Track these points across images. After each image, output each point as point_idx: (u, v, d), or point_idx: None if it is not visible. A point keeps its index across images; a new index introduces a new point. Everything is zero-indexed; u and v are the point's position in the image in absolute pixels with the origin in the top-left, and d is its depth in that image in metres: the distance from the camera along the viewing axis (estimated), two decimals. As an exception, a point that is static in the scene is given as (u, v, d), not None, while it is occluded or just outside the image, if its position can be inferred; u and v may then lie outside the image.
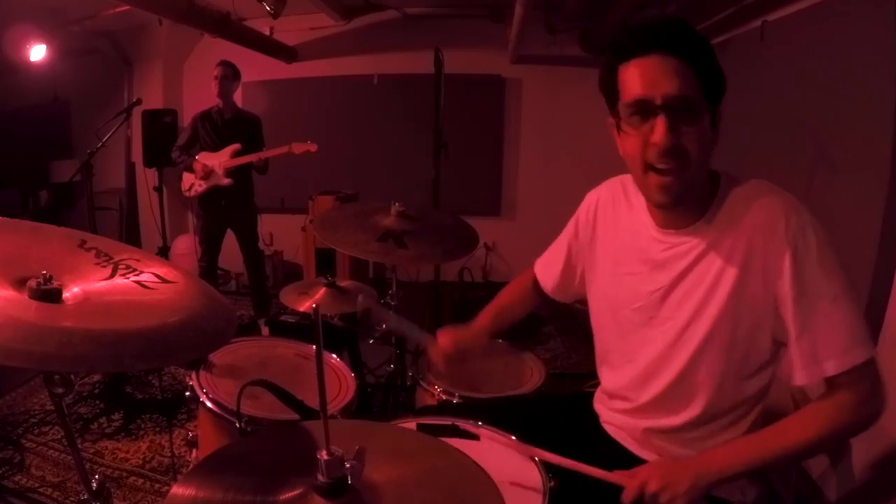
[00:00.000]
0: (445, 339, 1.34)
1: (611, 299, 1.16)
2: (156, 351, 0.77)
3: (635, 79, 0.92)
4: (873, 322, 1.87)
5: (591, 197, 1.26)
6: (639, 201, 1.11)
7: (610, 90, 0.99)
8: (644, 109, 0.92)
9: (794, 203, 0.94)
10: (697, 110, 0.90)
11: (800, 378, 0.92)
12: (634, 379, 1.12)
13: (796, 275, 0.90)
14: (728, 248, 0.96)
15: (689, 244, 1.01)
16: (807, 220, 0.92)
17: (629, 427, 1.16)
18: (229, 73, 3.37)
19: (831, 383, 0.92)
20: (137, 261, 0.98)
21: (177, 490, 0.70)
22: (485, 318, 1.40)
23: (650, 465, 1.01)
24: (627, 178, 1.16)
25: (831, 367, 0.89)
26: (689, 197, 0.97)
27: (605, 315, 1.19)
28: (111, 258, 0.97)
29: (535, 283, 1.40)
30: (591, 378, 1.31)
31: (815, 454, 0.93)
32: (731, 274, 0.96)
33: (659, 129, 0.90)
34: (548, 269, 1.36)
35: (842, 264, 0.91)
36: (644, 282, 1.08)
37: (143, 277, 0.94)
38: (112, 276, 0.93)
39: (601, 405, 1.25)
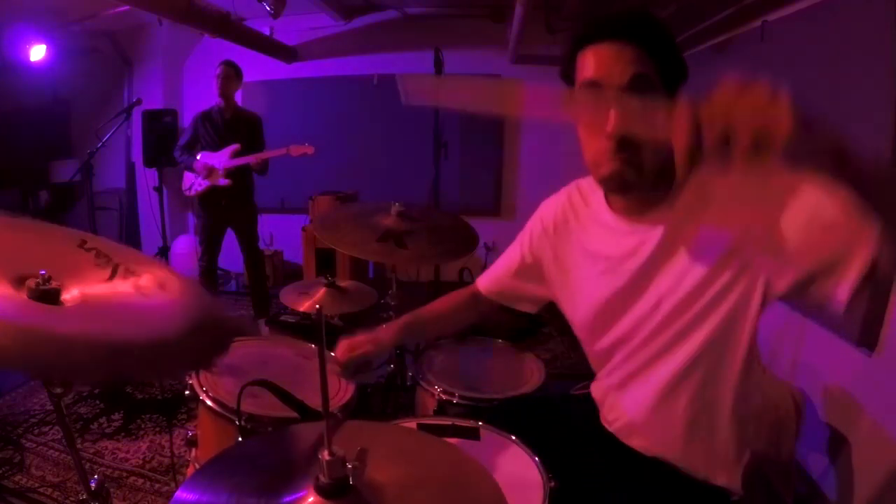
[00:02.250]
0: (341, 348, 1.31)
1: (583, 300, 1.14)
2: (152, 366, 0.76)
3: (590, 63, 0.93)
4: (873, 322, 1.87)
5: (544, 207, 1.26)
6: (597, 199, 1.11)
7: (569, 79, 1.00)
8: (597, 94, 0.92)
9: None
10: (652, 93, 0.89)
11: (843, 292, 0.80)
12: (631, 381, 1.11)
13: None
14: (699, 216, 0.95)
15: (656, 227, 1.00)
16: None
17: (622, 412, 1.15)
18: (231, 73, 3.38)
19: None
20: (136, 263, 0.98)
21: (180, 495, 0.70)
22: (395, 325, 1.37)
23: None
24: (583, 181, 1.17)
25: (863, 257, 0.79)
26: (643, 183, 0.96)
27: (581, 317, 1.17)
28: (111, 259, 0.96)
29: (472, 298, 1.40)
30: (585, 379, 1.30)
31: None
32: (707, 237, 0.94)
33: (611, 118, 0.85)
34: (497, 281, 1.36)
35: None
36: (614, 273, 1.06)
37: (142, 283, 0.93)
38: (111, 277, 0.92)
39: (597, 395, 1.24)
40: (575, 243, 1.17)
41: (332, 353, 1.31)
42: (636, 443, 1.13)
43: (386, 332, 1.34)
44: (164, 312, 0.88)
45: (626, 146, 0.91)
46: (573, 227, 1.18)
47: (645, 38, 0.90)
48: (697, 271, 0.96)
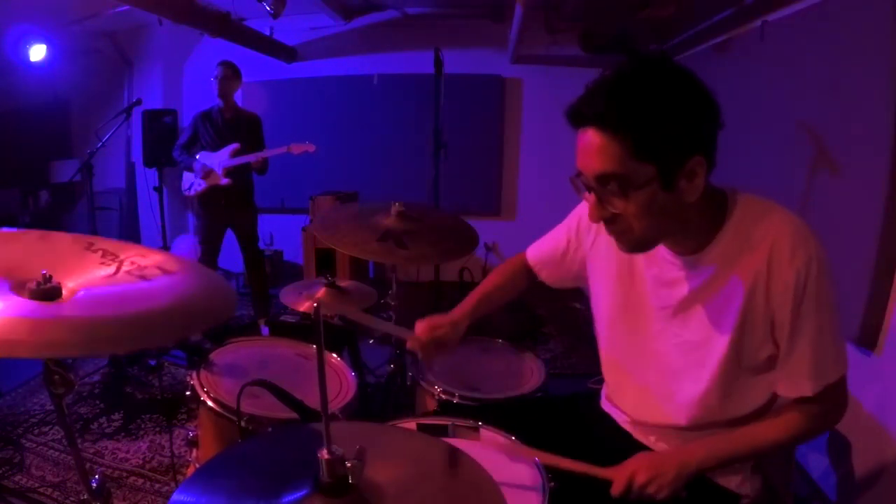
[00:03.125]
0: (422, 328, 1.29)
1: (616, 310, 1.16)
2: (132, 333, 0.77)
3: (578, 150, 0.93)
4: (873, 322, 1.87)
5: None
6: None
7: None
8: (583, 180, 0.94)
9: (804, 231, 0.94)
10: (627, 185, 0.87)
11: (781, 389, 1.01)
12: (643, 395, 1.14)
13: (795, 306, 0.93)
14: (738, 272, 0.97)
15: (699, 268, 1.01)
16: (813, 251, 0.92)
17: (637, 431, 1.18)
18: (229, 73, 3.38)
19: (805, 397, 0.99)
20: (143, 256, 0.99)
21: (178, 496, 0.70)
22: (467, 305, 1.36)
23: (636, 458, 1.04)
24: None
25: (808, 389, 0.97)
26: (649, 244, 0.98)
27: (608, 324, 1.20)
28: (117, 256, 0.97)
29: (526, 269, 1.40)
30: (592, 376, 1.31)
31: (781, 450, 1.06)
32: (741, 296, 0.96)
33: (588, 205, 0.93)
34: (544, 259, 1.36)
35: (834, 291, 0.94)
36: (652, 297, 1.08)
37: (147, 271, 0.94)
38: (116, 273, 0.93)
39: (610, 407, 1.26)
40: (612, 248, 1.15)
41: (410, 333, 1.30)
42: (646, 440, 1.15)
43: (460, 313, 1.34)
44: (163, 290, 0.89)
45: (610, 225, 0.95)
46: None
47: (615, 122, 0.85)
48: (736, 310, 0.97)
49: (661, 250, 1.05)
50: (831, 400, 0.99)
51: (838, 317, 0.96)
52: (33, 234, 1.00)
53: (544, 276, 1.37)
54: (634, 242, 0.96)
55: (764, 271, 0.94)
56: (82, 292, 0.85)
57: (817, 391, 0.96)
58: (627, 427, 1.20)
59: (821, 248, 0.93)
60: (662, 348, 1.09)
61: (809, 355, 0.95)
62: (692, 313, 1.03)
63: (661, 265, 1.06)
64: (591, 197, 0.92)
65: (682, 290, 1.03)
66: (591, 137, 0.88)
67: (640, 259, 1.10)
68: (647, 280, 1.09)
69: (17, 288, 0.82)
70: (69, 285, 0.87)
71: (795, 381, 0.97)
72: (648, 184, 0.86)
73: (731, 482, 1.09)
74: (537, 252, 1.39)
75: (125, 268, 0.94)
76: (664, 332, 1.08)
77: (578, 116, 0.90)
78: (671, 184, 0.87)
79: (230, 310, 0.94)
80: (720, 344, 1.00)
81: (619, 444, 1.17)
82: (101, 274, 0.92)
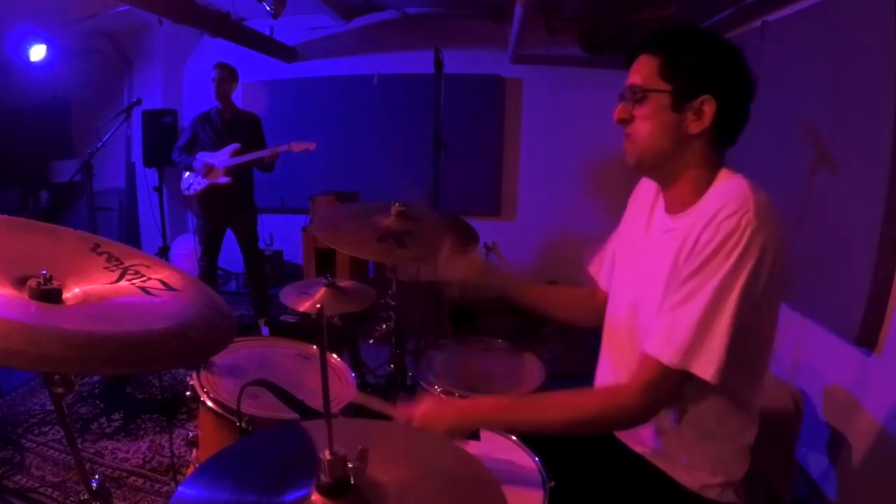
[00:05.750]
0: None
1: (612, 288, 1.20)
2: (129, 357, 0.74)
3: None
4: (873, 322, 1.87)
5: (638, 185, 1.27)
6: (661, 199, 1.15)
7: None
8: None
9: (749, 205, 0.91)
10: (643, 94, 1.03)
11: (643, 344, 0.98)
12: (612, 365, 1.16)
13: (681, 261, 0.96)
14: (684, 236, 0.99)
15: (675, 230, 1.03)
16: (755, 224, 0.89)
17: None
18: (226, 75, 3.38)
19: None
20: (147, 267, 0.98)
21: (182, 492, 0.70)
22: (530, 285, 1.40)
23: (424, 401, 1.05)
24: None
25: (650, 348, 0.95)
26: (645, 159, 1.05)
27: (609, 306, 1.22)
28: (121, 262, 0.97)
29: (591, 290, 1.36)
30: (587, 378, 1.31)
31: (572, 434, 1.00)
32: (673, 250, 1.00)
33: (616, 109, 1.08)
34: (599, 267, 1.34)
35: (754, 288, 0.90)
36: (633, 268, 1.12)
37: (149, 284, 0.93)
38: (118, 280, 0.92)
39: None
40: (626, 229, 1.22)
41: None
42: (635, 446, 1.14)
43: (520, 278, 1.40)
44: (162, 309, 0.88)
45: (626, 127, 1.07)
46: (633, 211, 1.23)
47: (658, 45, 1.03)
48: (663, 267, 1.01)
49: (662, 217, 1.09)
50: (647, 389, 0.94)
51: (714, 305, 0.90)
52: (43, 227, 0.99)
53: (603, 282, 1.33)
54: (635, 150, 1.06)
55: (699, 226, 0.94)
56: (82, 299, 0.85)
57: (651, 354, 0.94)
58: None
59: (772, 231, 0.90)
60: (643, 318, 1.09)
61: (664, 316, 0.95)
62: (655, 273, 1.05)
63: (657, 233, 1.10)
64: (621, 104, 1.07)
65: (666, 252, 1.04)
66: (636, 63, 1.06)
67: (641, 232, 1.15)
68: (648, 252, 1.11)
69: (19, 282, 0.82)
70: (70, 288, 0.86)
71: (646, 334, 0.97)
72: (662, 95, 1.01)
73: (711, 493, 1.06)
74: (594, 260, 1.37)
75: (128, 276, 0.93)
76: (646, 302, 1.08)
77: (641, 43, 1.06)
78: (680, 107, 1.01)
79: (229, 339, 0.93)
80: (652, 305, 1.02)
81: (615, 445, 1.17)
82: (104, 279, 0.91)
